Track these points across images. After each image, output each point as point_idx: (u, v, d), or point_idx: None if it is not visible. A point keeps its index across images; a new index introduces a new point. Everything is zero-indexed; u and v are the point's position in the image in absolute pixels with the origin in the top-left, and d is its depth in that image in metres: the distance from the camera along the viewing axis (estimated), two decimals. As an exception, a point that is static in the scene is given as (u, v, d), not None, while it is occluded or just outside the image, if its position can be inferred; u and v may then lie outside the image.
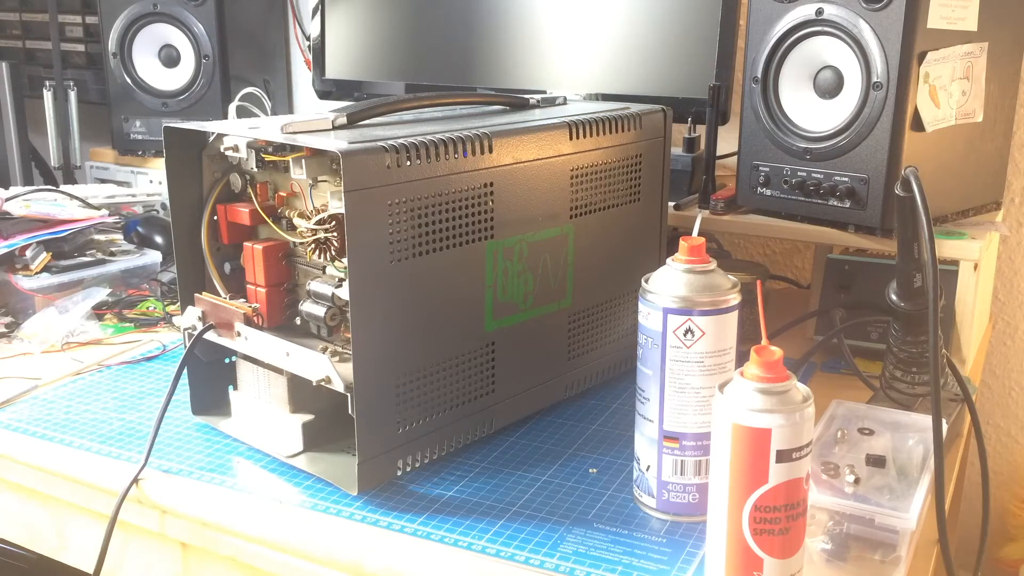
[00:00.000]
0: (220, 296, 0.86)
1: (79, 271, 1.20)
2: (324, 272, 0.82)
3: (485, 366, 0.85)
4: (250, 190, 0.85)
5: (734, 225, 1.11)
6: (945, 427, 0.78)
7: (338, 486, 0.78)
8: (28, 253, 1.18)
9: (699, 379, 0.72)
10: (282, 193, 0.84)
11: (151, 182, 1.60)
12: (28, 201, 1.27)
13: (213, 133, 0.83)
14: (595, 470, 0.83)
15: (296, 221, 0.80)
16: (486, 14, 1.30)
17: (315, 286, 0.81)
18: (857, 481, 0.71)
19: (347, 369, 0.75)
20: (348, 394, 0.74)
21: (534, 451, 0.86)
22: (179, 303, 0.87)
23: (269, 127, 0.79)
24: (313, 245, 0.77)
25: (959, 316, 1.02)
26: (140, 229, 1.35)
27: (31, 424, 0.91)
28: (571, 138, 0.88)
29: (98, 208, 1.32)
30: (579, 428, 0.91)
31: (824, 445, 0.77)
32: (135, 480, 0.80)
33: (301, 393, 0.83)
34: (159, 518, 0.81)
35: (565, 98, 1.03)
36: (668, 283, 0.72)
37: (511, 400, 0.88)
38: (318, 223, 0.77)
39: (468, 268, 0.81)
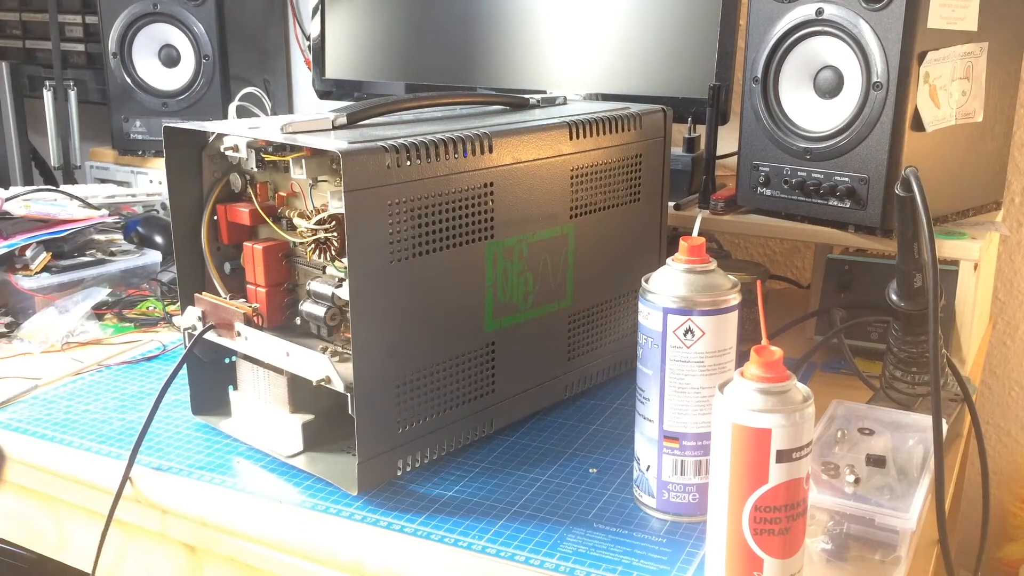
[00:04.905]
0: (220, 296, 0.86)
1: (79, 271, 1.20)
2: (324, 272, 0.82)
3: (485, 366, 0.85)
4: (250, 190, 0.85)
5: (734, 225, 1.11)
6: (945, 427, 0.78)
7: (338, 486, 0.78)
8: (28, 253, 1.18)
9: (699, 379, 0.72)
10: (282, 193, 0.84)
11: (151, 182, 1.60)
12: (28, 201, 1.27)
13: (213, 133, 0.83)
14: (595, 470, 0.83)
15: (296, 221, 0.80)
16: (486, 14, 1.30)
17: (315, 286, 0.81)
18: (857, 481, 0.71)
19: (347, 369, 0.75)
20: (348, 394, 0.74)
21: (534, 451, 0.86)
22: (179, 303, 0.87)
23: (269, 127, 0.79)
24: (313, 245, 0.77)
25: (959, 316, 1.02)
26: (140, 229, 1.35)
27: (31, 424, 0.91)
28: (571, 138, 0.88)
29: (98, 208, 1.32)
30: (579, 428, 0.91)
31: (824, 445, 0.77)
32: (127, 477, 0.80)
33: (301, 393, 0.83)
34: (159, 518, 0.81)
35: (565, 98, 1.03)
36: (668, 283, 0.72)
37: (511, 400, 0.88)
38: (318, 223, 0.77)
39: (468, 268, 0.81)
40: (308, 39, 1.63)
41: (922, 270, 0.84)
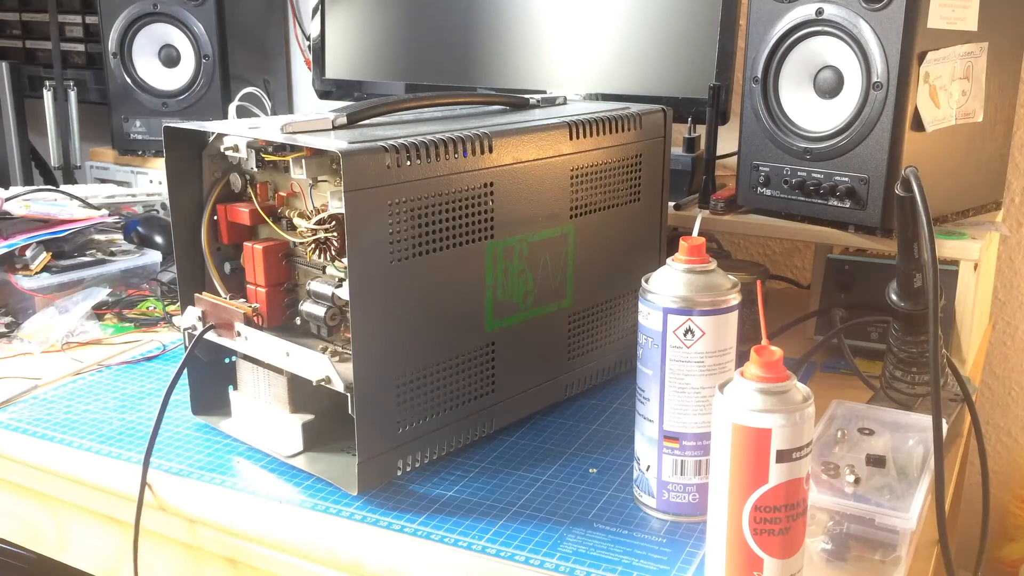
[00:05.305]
0: (220, 296, 0.86)
1: (79, 271, 1.20)
2: (324, 272, 0.82)
3: (485, 366, 0.85)
4: (250, 190, 0.85)
5: (734, 225, 1.11)
6: (945, 427, 0.78)
7: (338, 486, 0.78)
8: (28, 253, 1.18)
9: (699, 379, 0.72)
10: (282, 193, 0.84)
11: (151, 182, 1.60)
12: (28, 201, 1.27)
13: (213, 133, 0.83)
14: (595, 470, 0.83)
15: (296, 221, 0.80)
16: (486, 14, 1.30)
17: (315, 286, 0.81)
18: (857, 481, 0.71)
19: (347, 369, 0.75)
20: (348, 394, 0.74)
21: (534, 451, 0.86)
22: (179, 303, 0.87)
23: (269, 127, 0.79)
24: (313, 245, 0.77)
25: (959, 316, 1.02)
26: (140, 229, 1.35)
27: (31, 424, 0.91)
28: (571, 138, 0.88)
29: (98, 208, 1.32)
30: (579, 428, 0.91)
31: (824, 445, 0.77)
32: (144, 484, 0.80)
33: (301, 393, 0.83)
34: (159, 518, 0.81)
35: (565, 98, 1.03)
36: (668, 283, 0.72)
37: (511, 400, 0.88)
38: (318, 223, 0.77)
39: (468, 268, 0.81)
40: (308, 39, 1.63)
41: (922, 270, 0.84)
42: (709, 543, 0.65)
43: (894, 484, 0.72)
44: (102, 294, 1.18)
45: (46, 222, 1.23)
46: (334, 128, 0.80)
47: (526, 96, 0.99)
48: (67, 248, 1.23)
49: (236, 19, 1.60)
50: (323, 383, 0.76)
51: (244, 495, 0.79)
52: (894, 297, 0.86)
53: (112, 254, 1.27)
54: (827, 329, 1.07)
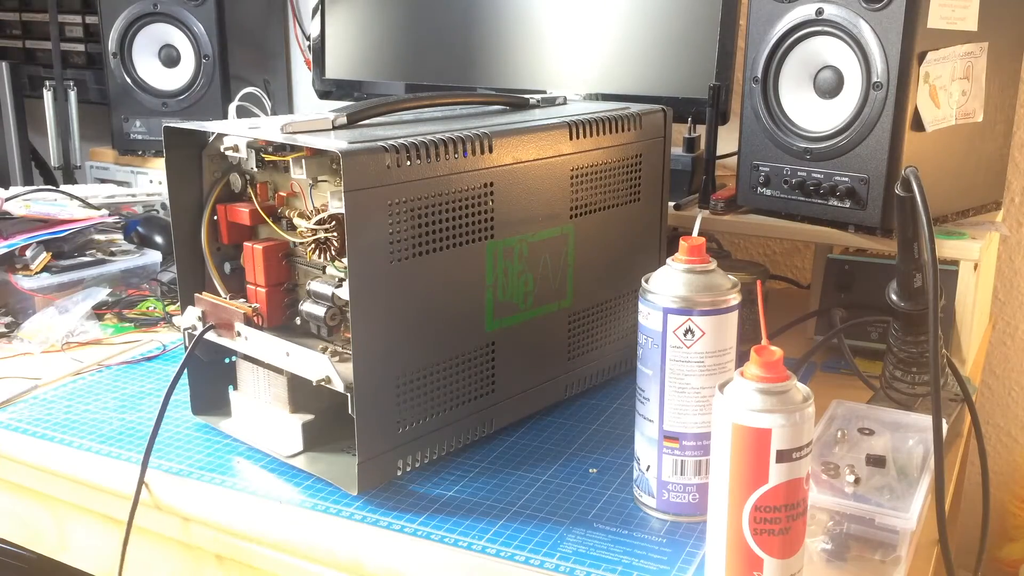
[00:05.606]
0: (220, 296, 0.86)
1: (79, 271, 1.20)
2: (324, 272, 0.82)
3: (485, 366, 0.85)
4: (250, 190, 0.85)
5: (734, 225, 1.11)
6: (945, 427, 0.78)
7: (338, 486, 0.78)
8: (28, 253, 1.18)
9: (699, 379, 0.72)
10: (282, 193, 0.84)
11: (151, 182, 1.60)
12: (28, 201, 1.27)
13: (213, 133, 0.83)
14: (595, 470, 0.83)
15: (296, 221, 0.80)
16: (486, 14, 1.30)
17: (315, 286, 0.81)
18: (857, 481, 0.71)
19: (347, 369, 0.75)
20: (348, 394, 0.74)
21: (534, 451, 0.86)
22: (179, 303, 0.87)
23: (269, 127, 0.79)
24: (313, 245, 0.77)
25: (959, 316, 1.02)
26: (140, 229, 1.35)
27: (31, 424, 0.91)
28: (571, 138, 0.88)
29: (98, 208, 1.32)
30: (579, 428, 0.91)
31: (824, 445, 0.77)
32: (141, 483, 0.80)
33: (301, 393, 0.83)
34: (158, 518, 0.81)
35: (565, 98, 1.03)
36: (668, 283, 0.72)
37: (511, 400, 0.88)
38: (318, 223, 0.77)
39: (468, 268, 0.81)
40: (308, 39, 1.63)
41: (922, 270, 0.84)
42: (709, 543, 0.65)
43: (894, 484, 0.72)
44: (102, 294, 1.18)
45: (46, 222, 1.23)
46: (334, 128, 0.80)
47: (526, 96, 1.00)
48: (67, 248, 1.23)
49: (236, 19, 1.60)
50: (323, 383, 0.76)
51: (244, 495, 0.79)
52: (894, 297, 0.86)
53: (112, 254, 1.27)
54: (827, 329, 1.07)
